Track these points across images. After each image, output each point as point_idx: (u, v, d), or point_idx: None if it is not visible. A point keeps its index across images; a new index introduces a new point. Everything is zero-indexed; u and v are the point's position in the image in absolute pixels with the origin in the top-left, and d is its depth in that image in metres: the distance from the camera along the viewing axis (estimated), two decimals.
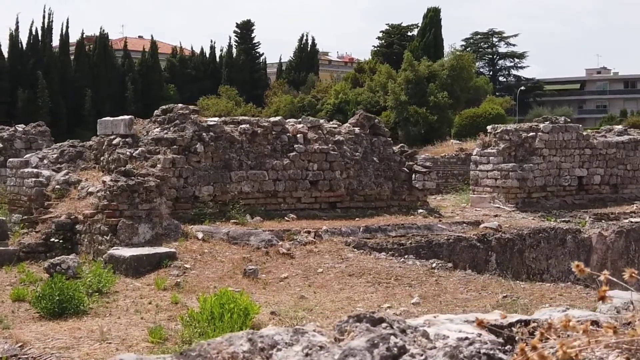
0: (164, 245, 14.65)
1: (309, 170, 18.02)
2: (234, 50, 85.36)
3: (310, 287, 13.06)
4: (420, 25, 75.31)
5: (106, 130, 17.55)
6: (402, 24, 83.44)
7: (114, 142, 17.06)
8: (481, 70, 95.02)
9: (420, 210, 18.81)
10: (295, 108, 68.70)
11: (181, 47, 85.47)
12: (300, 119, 19.48)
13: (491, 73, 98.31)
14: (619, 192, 22.96)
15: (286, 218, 17.03)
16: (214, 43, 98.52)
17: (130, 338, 9.90)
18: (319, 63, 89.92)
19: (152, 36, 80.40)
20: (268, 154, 17.70)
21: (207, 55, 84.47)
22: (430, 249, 16.41)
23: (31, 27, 72.47)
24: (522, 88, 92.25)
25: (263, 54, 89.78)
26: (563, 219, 19.85)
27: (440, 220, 17.84)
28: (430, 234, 16.89)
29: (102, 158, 17.26)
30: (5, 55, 70.92)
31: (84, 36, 77.66)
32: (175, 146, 16.61)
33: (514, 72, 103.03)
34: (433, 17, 72.82)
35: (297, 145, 17.96)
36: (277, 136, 17.93)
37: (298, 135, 18.12)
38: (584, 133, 22.63)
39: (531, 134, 21.51)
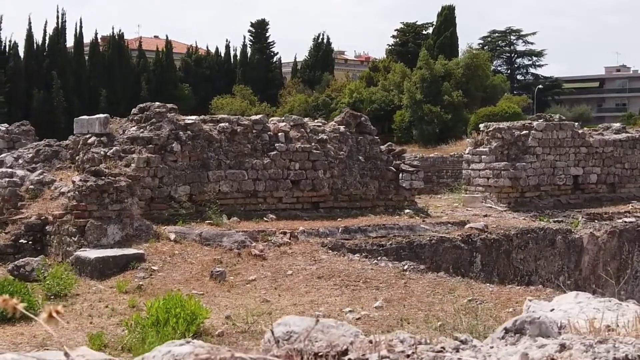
0: (134, 247, 14.31)
1: (291, 169, 17.63)
2: (249, 50, 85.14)
3: (276, 290, 12.68)
4: (435, 23, 74.70)
5: (82, 130, 17.25)
6: (417, 23, 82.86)
7: (89, 141, 16.75)
8: (499, 68, 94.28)
9: (407, 210, 18.37)
10: (310, 107, 68.45)
11: (196, 47, 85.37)
12: (283, 118, 19.10)
13: (509, 71, 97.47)
14: (617, 192, 22.37)
15: (265, 219, 16.64)
16: (229, 42, 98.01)
17: (71, 344, 9.55)
18: (334, 62, 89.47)
19: (167, 36, 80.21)
20: (248, 153, 17.32)
21: (222, 55, 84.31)
22: (411, 250, 15.98)
23: (45, 27, 72.68)
24: (540, 86, 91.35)
25: (277, 53, 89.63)
26: (556, 219, 19.34)
27: (424, 221, 17.39)
28: (413, 234, 16.44)
29: (77, 157, 16.96)
30: (21, 55, 71.08)
31: (101, 36, 77.74)
32: (151, 145, 16.26)
33: (532, 70, 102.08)
34: (447, 16, 72.24)
35: (278, 144, 17.56)
36: (257, 135, 17.55)
37: (279, 134, 17.73)
38: (580, 131, 22.07)
39: (524, 132, 20.99)
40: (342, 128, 18.74)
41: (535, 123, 21.29)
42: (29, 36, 71.29)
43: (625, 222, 19.25)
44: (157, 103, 17.16)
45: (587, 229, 18.55)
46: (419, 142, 58.25)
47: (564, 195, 21.41)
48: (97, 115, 17.21)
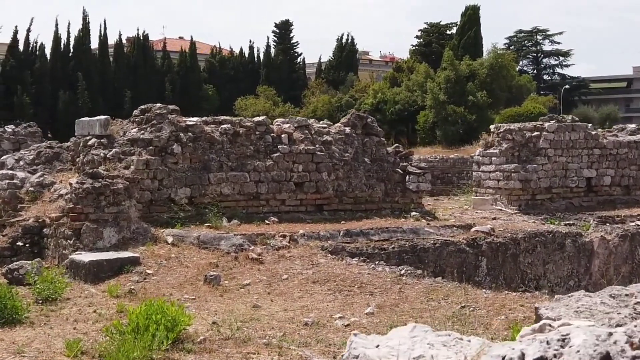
0: (130, 250, 14.13)
1: (294, 171, 17.39)
2: (273, 50, 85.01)
3: (269, 294, 12.44)
4: (459, 23, 74.18)
5: (83, 131, 17.13)
6: (441, 23, 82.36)
7: (89, 143, 16.62)
8: (525, 68, 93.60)
9: (413, 213, 18.07)
10: (333, 108, 68.23)
11: (220, 48, 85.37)
12: (287, 119, 18.85)
13: (535, 72, 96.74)
14: (632, 194, 21.93)
15: (267, 221, 16.41)
16: (253, 43, 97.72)
17: (49, 351, 9.37)
18: (358, 63, 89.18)
19: (191, 37, 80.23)
20: (250, 155, 17.10)
21: (246, 56, 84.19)
22: (414, 254, 15.68)
23: (68, 28, 73.03)
24: (567, 86, 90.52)
25: (302, 53, 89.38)
26: (567, 222, 18.97)
27: (428, 224, 17.08)
28: (416, 238, 16.14)
29: (77, 159, 16.84)
30: (47, 57, 71.38)
31: (126, 37, 78.02)
32: (151, 147, 16.09)
33: (558, 70, 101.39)
34: (472, 16, 71.66)
35: (281, 146, 17.33)
36: (260, 136, 17.32)
37: (282, 136, 17.49)
38: (593, 132, 21.64)
39: (535, 133, 20.61)
40: (347, 129, 18.48)
41: (546, 124, 20.89)
42: (56, 38, 71.53)
43: (638, 225, 18.82)
44: (159, 104, 17.00)
45: (598, 232, 18.16)
46: (442, 142, 57.87)
47: (577, 198, 21.01)
48: (98, 117, 17.07)
